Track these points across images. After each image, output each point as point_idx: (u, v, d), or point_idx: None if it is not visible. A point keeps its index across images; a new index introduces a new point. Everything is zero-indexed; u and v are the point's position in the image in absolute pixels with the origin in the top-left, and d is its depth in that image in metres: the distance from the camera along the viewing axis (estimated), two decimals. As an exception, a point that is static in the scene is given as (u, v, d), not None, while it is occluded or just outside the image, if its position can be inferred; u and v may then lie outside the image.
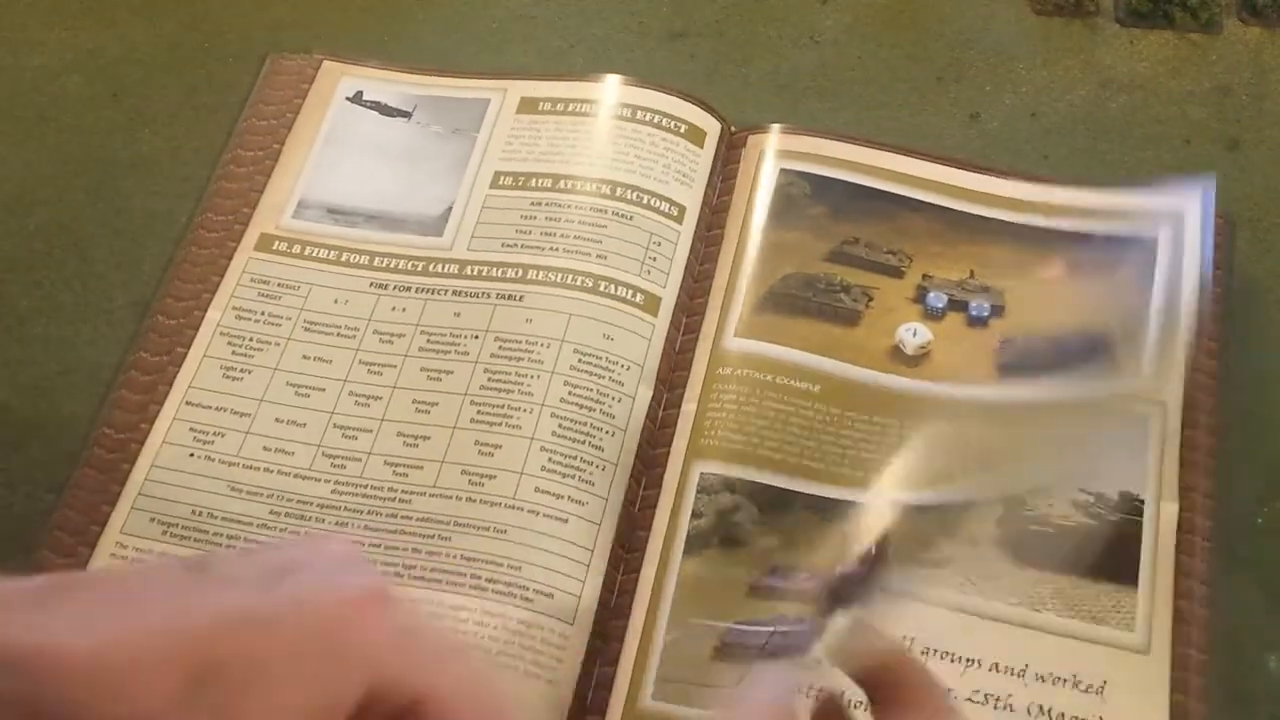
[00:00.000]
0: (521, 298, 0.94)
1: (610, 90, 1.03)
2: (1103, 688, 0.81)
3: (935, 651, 0.82)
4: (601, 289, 0.94)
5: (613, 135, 1.01)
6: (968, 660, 0.81)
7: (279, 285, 0.96)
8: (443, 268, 0.96)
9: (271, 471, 0.89)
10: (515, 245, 0.97)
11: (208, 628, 0.52)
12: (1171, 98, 1.06)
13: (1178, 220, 0.92)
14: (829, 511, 0.86)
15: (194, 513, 0.87)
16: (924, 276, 0.94)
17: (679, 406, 0.91)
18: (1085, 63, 1.07)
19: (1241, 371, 0.92)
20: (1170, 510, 0.86)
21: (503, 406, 0.90)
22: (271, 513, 0.87)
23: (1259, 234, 0.99)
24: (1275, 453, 0.91)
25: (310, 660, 0.53)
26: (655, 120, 1.01)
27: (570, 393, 0.90)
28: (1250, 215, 1.00)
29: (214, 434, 0.90)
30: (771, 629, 0.82)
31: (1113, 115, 1.05)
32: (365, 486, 0.88)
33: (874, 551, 0.84)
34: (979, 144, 1.04)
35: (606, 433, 0.89)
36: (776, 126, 1.02)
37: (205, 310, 0.95)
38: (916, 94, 1.07)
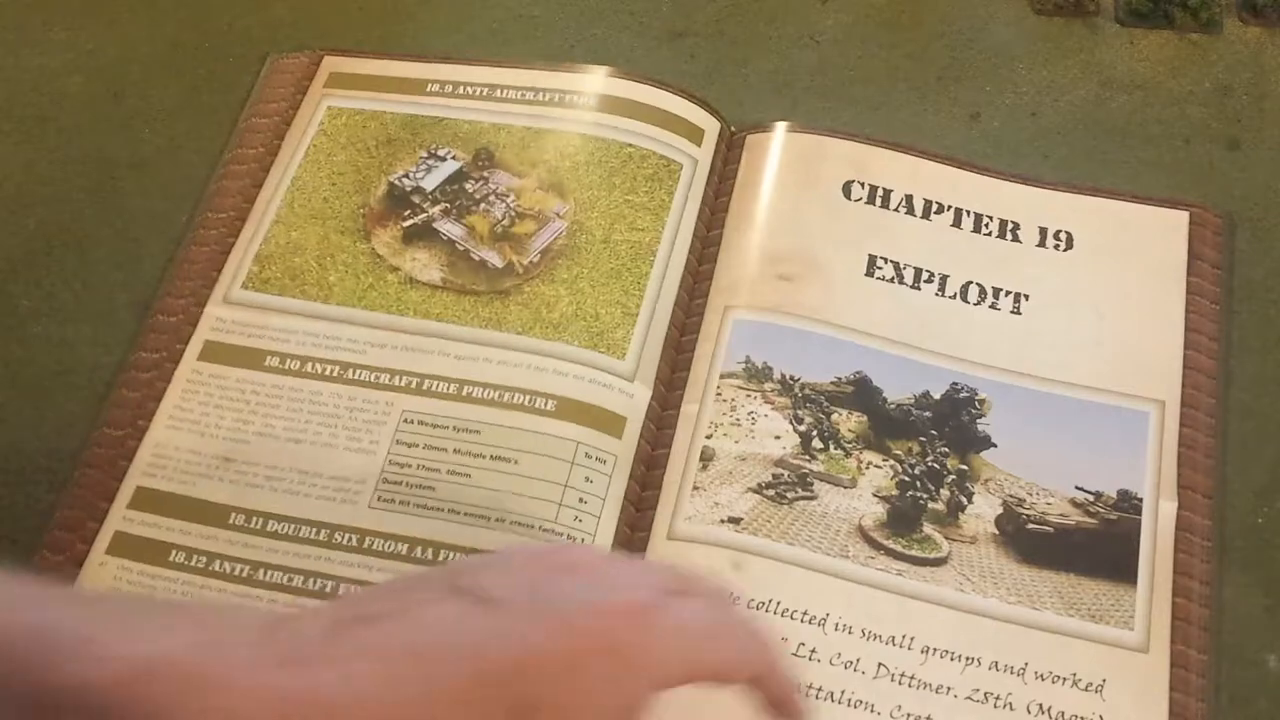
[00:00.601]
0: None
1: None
2: (1102, 686, 0.81)
3: (935, 650, 0.82)
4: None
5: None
6: (967, 659, 0.82)
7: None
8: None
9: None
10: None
11: (512, 672, 0.59)
12: (1172, 97, 1.06)
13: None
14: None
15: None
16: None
17: (679, 408, 0.92)
18: (1085, 63, 1.08)
19: (1241, 371, 0.93)
20: (1169, 509, 0.87)
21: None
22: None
23: (1259, 234, 0.99)
24: (1275, 453, 0.91)
25: (595, 685, 0.60)
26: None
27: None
28: (1250, 215, 1.00)
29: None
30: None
31: (1113, 115, 1.05)
32: None
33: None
34: (979, 144, 1.04)
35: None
36: (775, 124, 1.02)
37: (204, 307, 0.95)
38: (917, 94, 1.07)
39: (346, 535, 0.87)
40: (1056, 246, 0.97)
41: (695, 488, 0.88)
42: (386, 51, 1.08)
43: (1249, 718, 0.82)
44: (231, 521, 0.87)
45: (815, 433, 0.90)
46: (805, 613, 0.83)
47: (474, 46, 1.09)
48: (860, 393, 0.92)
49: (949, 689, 0.81)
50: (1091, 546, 0.86)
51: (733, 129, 1.04)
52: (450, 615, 0.61)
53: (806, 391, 0.92)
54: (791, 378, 0.92)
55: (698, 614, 0.64)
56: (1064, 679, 0.81)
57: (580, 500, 0.87)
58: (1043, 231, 0.98)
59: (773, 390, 0.92)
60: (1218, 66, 1.07)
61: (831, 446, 0.90)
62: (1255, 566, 0.87)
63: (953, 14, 1.10)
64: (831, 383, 0.92)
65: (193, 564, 0.86)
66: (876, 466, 0.89)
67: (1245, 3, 1.09)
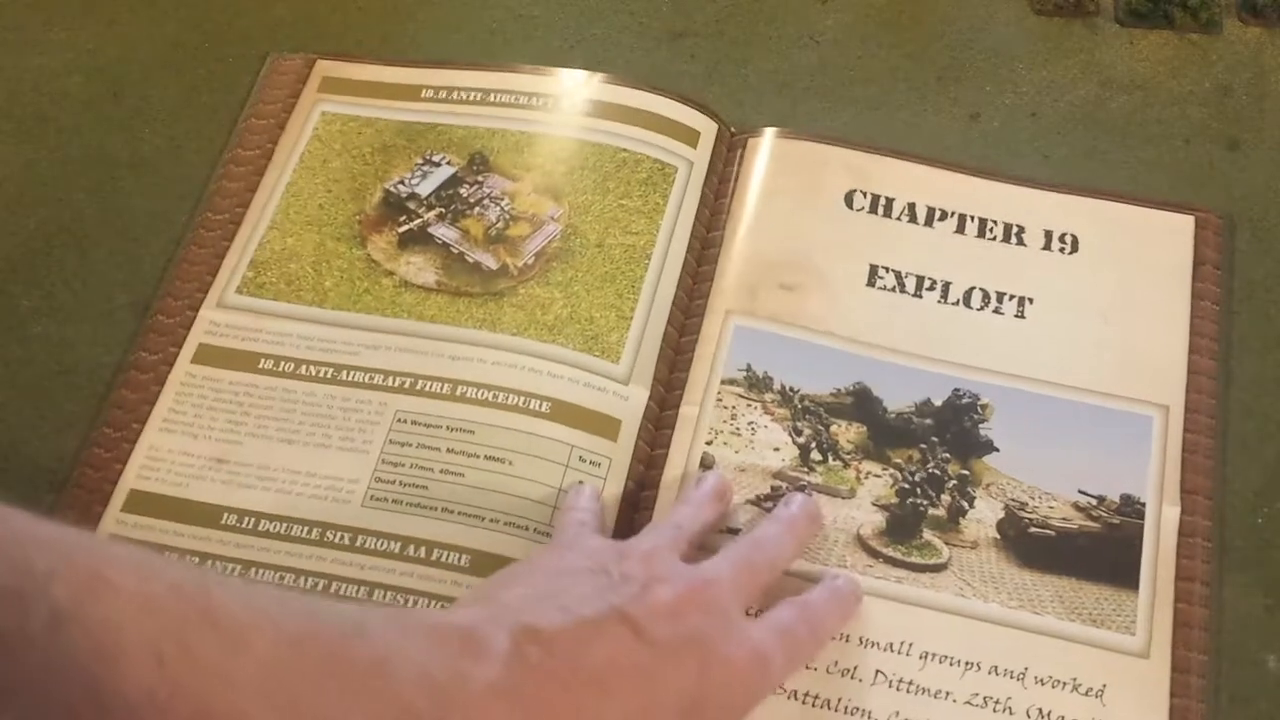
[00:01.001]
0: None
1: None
2: (1103, 691, 0.80)
3: (934, 655, 0.80)
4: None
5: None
6: (967, 663, 0.80)
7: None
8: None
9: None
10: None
11: (676, 704, 0.71)
12: (1172, 98, 1.03)
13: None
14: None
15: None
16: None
17: (678, 408, 0.90)
18: (1085, 63, 1.05)
19: (1242, 371, 0.91)
20: (1172, 514, 0.85)
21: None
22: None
23: (1259, 234, 0.97)
24: (1275, 453, 0.89)
25: (730, 709, 0.74)
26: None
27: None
28: (1250, 215, 0.98)
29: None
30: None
31: (1113, 115, 1.03)
32: None
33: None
34: (979, 144, 1.02)
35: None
36: (771, 130, 1.01)
37: (198, 310, 0.94)
38: (916, 94, 1.05)
39: (339, 534, 0.85)
40: (1062, 250, 0.95)
41: None
42: (380, 56, 1.06)
43: (1250, 718, 0.80)
44: (224, 522, 0.86)
45: (814, 444, 0.88)
46: (801, 623, 0.81)
47: (473, 46, 1.07)
48: (860, 403, 0.90)
49: (948, 694, 0.79)
50: (1094, 551, 0.84)
51: (732, 130, 1.01)
52: (620, 649, 0.69)
53: (806, 403, 0.89)
54: (791, 389, 0.90)
55: (801, 632, 0.78)
56: (1064, 684, 0.79)
57: None
58: (1048, 235, 0.96)
59: (773, 401, 0.89)
60: (1218, 67, 1.05)
61: (830, 458, 0.88)
62: (1255, 566, 0.85)
63: (953, 14, 1.08)
64: (831, 394, 0.90)
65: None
66: (876, 476, 0.87)
67: (1245, 3, 1.07)
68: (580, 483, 0.86)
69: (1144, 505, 0.85)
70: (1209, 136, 1.02)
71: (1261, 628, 0.83)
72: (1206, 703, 0.80)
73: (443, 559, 0.84)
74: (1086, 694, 0.80)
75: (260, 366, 0.92)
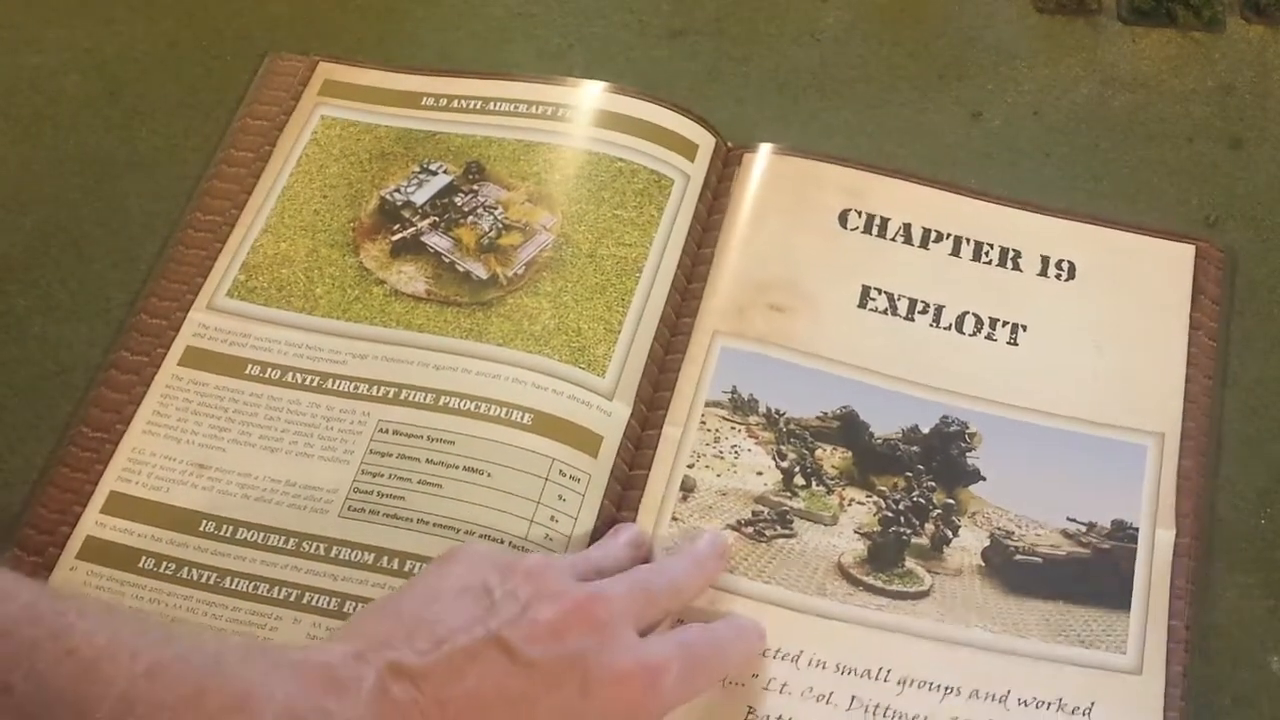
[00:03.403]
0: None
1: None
2: (1090, 709, 0.76)
3: (912, 681, 0.76)
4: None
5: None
6: (946, 688, 0.76)
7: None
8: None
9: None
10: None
11: None
12: (1174, 96, 1.00)
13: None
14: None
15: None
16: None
17: (660, 428, 0.85)
18: (1088, 61, 1.01)
19: (1244, 370, 0.88)
20: (1166, 537, 0.81)
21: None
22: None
23: (1261, 233, 0.93)
24: (1277, 453, 0.85)
25: None
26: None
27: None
28: (1253, 214, 0.94)
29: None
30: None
31: (1115, 113, 0.99)
32: None
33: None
34: (980, 142, 0.98)
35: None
36: (766, 146, 0.96)
37: (187, 311, 0.90)
38: (918, 92, 1.01)
39: (314, 544, 0.80)
40: (1058, 276, 0.90)
41: (674, 518, 0.81)
42: (382, 60, 1.02)
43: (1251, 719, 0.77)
44: (202, 529, 0.81)
45: (798, 469, 0.83)
46: (779, 650, 0.77)
47: (473, 43, 1.03)
48: (846, 428, 0.85)
49: (925, 718, 0.76)
50: (1082, 575, 0.80)
51: (729, 144, 0.96)
52: (493, 677, 0.65)
53: (791, 427, 0.84)
54: (777, 412, 0.85)
55: (702, 649, 0.73)
56: (1048, 704, 0.76)
57: (552, 519, 0.81)
58: (1045, 260, 0.91)
59: (757, 424, 0.84)
60: (1220, 65, 1.01)
61: (814, 483, 0.83)
62: (1258, 568, 0.81)
63: (954, 12, 1.05)
64: (817, 418, 0.85)
65: (161, 570, 0.80)
66: (859, 503, 0.82)
67: (1248, 1, 1.03)
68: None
69: (1136, 530, 0.81)
70: (1211, 135, 0.98)
71: (1265, 629, 0.80)
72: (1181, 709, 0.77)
73: (415, 571, 0.79)
74: (1073, 713, 0.77)
75: (247, 372, 0.87)
